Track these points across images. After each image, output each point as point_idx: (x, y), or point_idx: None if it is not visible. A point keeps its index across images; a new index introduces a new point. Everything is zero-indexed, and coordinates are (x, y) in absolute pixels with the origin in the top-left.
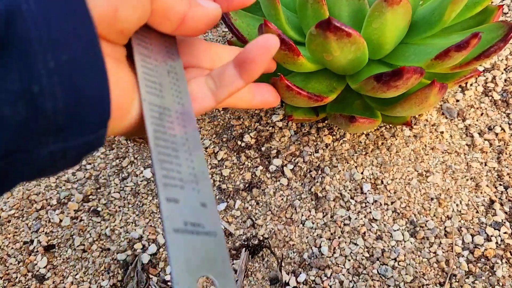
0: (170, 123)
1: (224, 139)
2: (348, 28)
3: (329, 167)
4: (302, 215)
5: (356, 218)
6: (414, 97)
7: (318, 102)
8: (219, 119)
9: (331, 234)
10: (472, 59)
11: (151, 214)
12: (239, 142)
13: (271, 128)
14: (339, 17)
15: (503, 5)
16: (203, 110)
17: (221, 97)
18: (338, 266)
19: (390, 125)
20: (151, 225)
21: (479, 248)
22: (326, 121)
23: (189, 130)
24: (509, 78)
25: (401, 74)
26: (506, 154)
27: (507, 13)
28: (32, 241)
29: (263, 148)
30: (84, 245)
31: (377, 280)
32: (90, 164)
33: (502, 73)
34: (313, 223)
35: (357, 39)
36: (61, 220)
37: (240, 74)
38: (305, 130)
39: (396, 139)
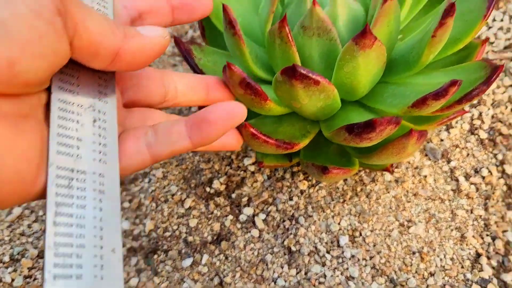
0: (82, 190)
1: (192, 185)
2: (315, 75)
3: (303, 217)
4: (274, 271)
5: (332, 276)
6: (390, 147)
7: (288, 150)
8: (188, 162)
9: None
10: (454, 103)
11: None
12: (207, 189)
13: (242, 172)
14: (309, 58)
15: (487, 40)
16: (134, 168)
17: (160, 154)
18: None
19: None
20: None
21: None
22: (301, 165)
23: (107, 201)
24: (496, 114)
25: (374, 127)
26: (493, 200)
27: (493, 42)
28: None
29: (233, 195)
30: None
31: None
32: (45, 214)
33: (489, 109)
34: (285, 281)
35: (326, 86)
36: (13, 280)
37: (190, 134)
38: (278, 174)
39: (376, 185)
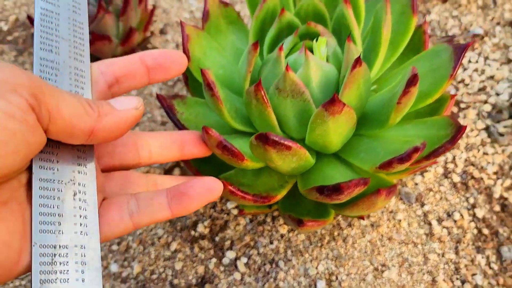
0: (65, 265)
1: (178, 228)
2: (287, 141)
3: (283, 261)
4: None
5: None
6: (361, 203)
7: (266, 203)
8: None
9: None
10: (422, 158)
11: None
12: (192, 232)
13: (226, 215)
14: (285, 116)
15: (455, 95)
16: (117, 235)
17: (141, 223)
18: None
19: None
20: None
21: None
22: None
23: (89, 272)
24: (468, 157)
25: (342, 190)
26: (464, 243)
27: (468, 84)
28: None
29: (217, 238)
30: None
31: None
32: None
33: (462, 152)
34: None
35: (297, 151)
36: None
37: (170, 205)
38: (260, 218)
39: (353, 229)
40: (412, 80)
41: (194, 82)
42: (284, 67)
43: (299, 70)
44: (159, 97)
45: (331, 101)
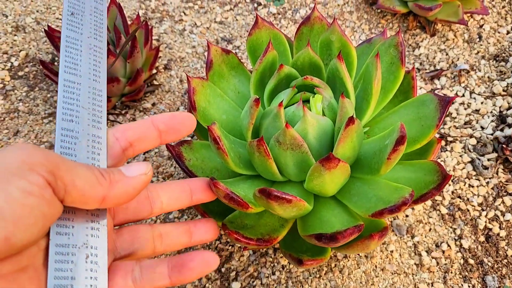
0: None
1: None
2: (287, 195)
3: None
4: None
5: None
6: (355, 246)
7: (268, 245)
8: None
9: None
10: (411, 203)
11: None
12: None
13: (230, 247)
14: (285, 165)
15: (441, 140)
16: None
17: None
18: None
19: None
20: None
21: None
22: None
23: None
24: (455, 190)
25: (338, 239)
26: (451, 273)
27: (455, 117)
28: None
29: (223, 269)
30: None
31: None
32: None
33: (450, 185)
34: None
35: (297, 203)
36: None
37: (170, 275)
38: (263, 250)
39: (348, 261)
40: (400, 140)
41: (201, 126)
42: (284, 122)
43: (297, 124)
44: (168, 148)
45: (327, 158)
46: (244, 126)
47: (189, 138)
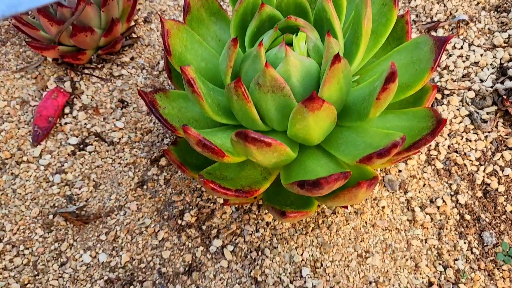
0: None
1: (165, 217)
2: (267, 138)
3: (269, 248)
4: None
5: None
6: (342, 196)
7: (248, 197)
8: (160, 195)
9: None
10: (403, 151)
11: None
12: (179, 221)
13: (212, 204)
14: (266, 110)
15: (436, 87)
16: None
17: None
18: None
19: None
20: None
21: None
22: None
23: None
24: (452, 144)
25: (322, 186)
26: (446, 229)
27: (453, 70)
28: None
29: (204, 227)
30: None
31: None
32: (28, 248)
33: (446, 139)
34: None
35: (277, 147)
36: None
37: None
38: (246, 207)
39: (337, 217)
40: (391, 77)
41: (177, 75)
42: (264, 62)
43: (279, 66)
44: (140, 93)
45: (310, 98)
46: (223, 70)
47: (166, 87)
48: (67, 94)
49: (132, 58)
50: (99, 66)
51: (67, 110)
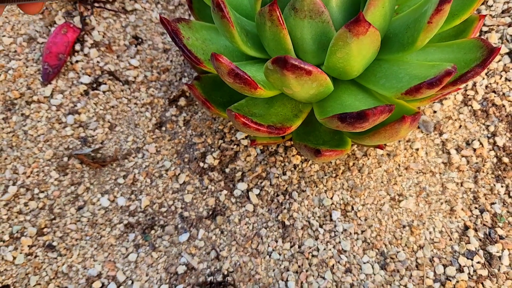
0: None
1: (186, 160)
2: (307, 65)
3: (297, 192)
4: (269, 245)
5: (324, 249)
6: (383, 132)
7: (280, 135)
8: (180, 136)
9: (299, 267)
10: (448, 84)
11: (110, 247)
12: (201, 164)
13: (235, 146)
14: (301, 39)
15: (484, 16)
16: None
17: None
18: None
19: None
20: (110, 260)
21: (451, 280)
22: None
23: None
24: (490, 84)
25: (367, 118)
26: (483, 172)
27: (492, 5)
28: None
29: (227, 170)
30: (40, 284)
31: None
32: (43, 192)
33: (483, 79)
34: (279, 255)
35: (318, 76)
36: (14, 258)
37: None
38: (272, 149)
39: (368, 159)
40: None
41: (200, 5)
42: None
43: None
44: (162, 20)
45: (356, 20)
46: None
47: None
48: (77, 30)
49: None
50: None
51: (77, 47)
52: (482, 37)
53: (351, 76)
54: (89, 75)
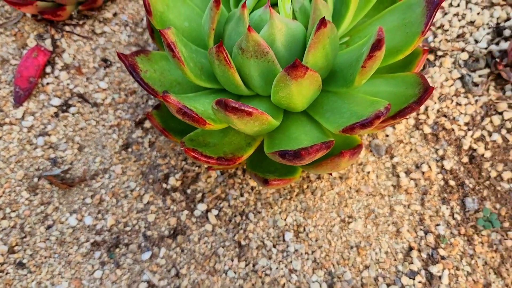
0: None
1: (150, 181)
2: (247, 107)
3: (253, 213)
4: (225, 264)
5: (277, 268)
6: (324, 165)
7: (230, 165)
8: (145, 158)
9: (252, 285)
10: (389, 118)
11: (77, 265)
12: (164, 185)
13: (197, 168)
14: (249, 76)
15: (427, 51)
16: None
17: None
18: None
19: None
20: (76, 277)
21: None
22: None
23: None
24: (441, 108)
25: (302, 156)
26: (430, 194)
27: (447, 30)
28: None
29: (188, 191)
30: None
31: None
32: (14, 211)
33: (435, 103)
34: (235, 273)
35: (259, 116)
36: None
37: None
38: (231, 171)
39: (322, 182)
40: (377, 45)
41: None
42: (247, 26)
43: (263, 29)
44: (120, 56)
45: (293, 65)
46: (205, 32)
47: (149, 49)
48: (48, 53)
49: (115, 14)
50: (80, 22)
51: (48, 69)
52: (437, 61)
53: (297, 110)
54: (59, 97)
